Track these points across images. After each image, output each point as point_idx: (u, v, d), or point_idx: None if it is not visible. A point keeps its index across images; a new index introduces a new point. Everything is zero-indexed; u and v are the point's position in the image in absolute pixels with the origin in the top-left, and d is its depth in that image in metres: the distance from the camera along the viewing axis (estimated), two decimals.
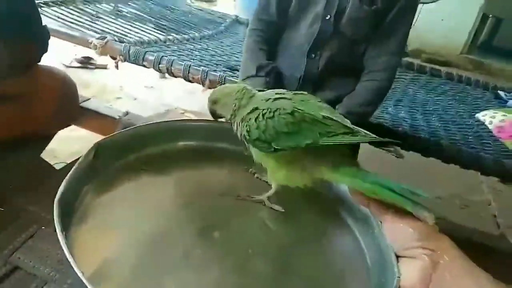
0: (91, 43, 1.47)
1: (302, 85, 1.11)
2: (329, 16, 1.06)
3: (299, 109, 0.52)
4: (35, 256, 0.64)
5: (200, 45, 1.86)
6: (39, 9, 1.69)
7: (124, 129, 0.58)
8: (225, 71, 1.52)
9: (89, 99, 0.91)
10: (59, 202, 0.44)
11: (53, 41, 1.68)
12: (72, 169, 0.49)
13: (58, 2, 1.75)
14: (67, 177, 0.47)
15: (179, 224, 0.52)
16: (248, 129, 0.53)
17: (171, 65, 1.41)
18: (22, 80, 0.76)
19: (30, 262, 0.63)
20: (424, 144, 1.25)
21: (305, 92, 0.57)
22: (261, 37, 1.15)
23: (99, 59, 2.51)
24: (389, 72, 1.08)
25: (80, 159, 0.51)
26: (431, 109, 1.72)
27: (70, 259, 0.38)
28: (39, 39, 0.78)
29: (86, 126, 0.88)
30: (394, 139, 1.25)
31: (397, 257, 0.46)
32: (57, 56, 2.53)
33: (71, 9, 1.78)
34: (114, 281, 0.43)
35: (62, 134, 0.91)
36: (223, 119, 0.59)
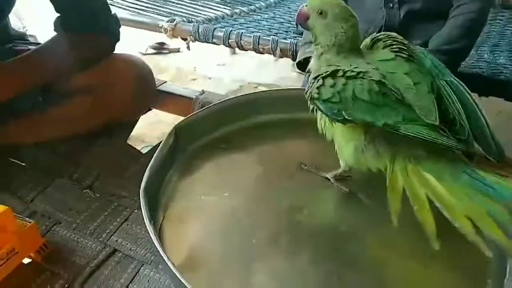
0: (161, 27, 1.49)
1: None
2: None
3: (389, 79, 0.44)
4: (131, 239, 0.66)
5: (267, 14, 1.80)
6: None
7: (199, 110, 0.57)
8: (295, 37, 1.45)
9: (165, 82, 0.91)
10: (144, 192, 0.43)
11: (127, 31, 1.75)
12: (154, 155, 0.48)
13: None
14: (150, 165, 0.47)
15: (263, 204, 0.49)
16: (322, 84, 0.45)
17: (240, 39, 1.38)
18: (99, 70, 0.78)
19: (127, 244, 0.66)
20: None
21: (390, 53, 0.48)
22: None
23: (172, 43, 2.57)
24: (480, 2, 0.95)
25: (160, 145, 0.50)
26: None
27: (161, 252, 0.37)
28: (111, 29, 0.80)
29: (165, 108, 0.89)
30: (495, 89, 1.13)
31: None
32: (133, 45, 2.63)
33: None
34: (203, 270, 0.42)
35: (148, 118, 0.93)
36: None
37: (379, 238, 0.44)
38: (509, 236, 0.37)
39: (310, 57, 1.03)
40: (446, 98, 0.45)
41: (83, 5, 0.77)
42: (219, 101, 0.58)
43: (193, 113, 0.57)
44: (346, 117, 0.44)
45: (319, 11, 0.47)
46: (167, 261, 0.36)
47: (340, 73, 0.44)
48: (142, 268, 0.62)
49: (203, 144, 0.57)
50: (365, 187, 0.51)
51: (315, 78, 0.46)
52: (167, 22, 1.49)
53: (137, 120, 0.89)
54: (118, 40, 0.83)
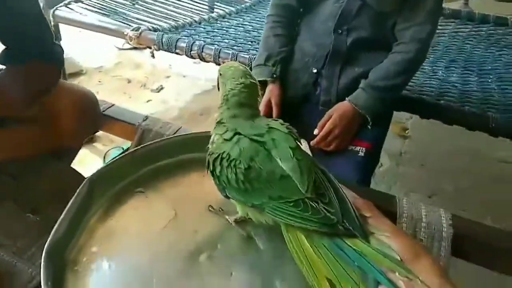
0: (126, 35, 1.52)
1: (329, 61, 1.07)
2: None
3: (256, 165, 0.49)
4: None
5: (236, 20, 1.83)
6: (81, 3, 1.77)
7: (113, 159, 0.61)
8: (257, 48, 1.49)
9: (112, 105, 0.95)
10: (48, 255, 0.48)
11: (104, 39, 1.75)
12: (65, 210, 0.53)
13: None
14: (58, 222, 0.51)
15: (169, 247, 0.54)
16: (207, 165, 0.53)
17: (202, 51, 1.42)
18: (45, 101, 0.82)
19: None
20: (471, 119, 1.14)
21: (284, 127, 0.53)
22: (279, 22, 1.11)
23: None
24: (418, 44, 0.99)
25: (72, 198, 0.54)
26: (489, 68, 1.55)
27: None
28: (56, 56, 0.83)
29: (111, 131, 0.93)
30: (435, 114, 1.18)
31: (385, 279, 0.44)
32: (110, 39, 2.64)
33: None
34: None
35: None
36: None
37: (266, 284, 0.50)
38: None
39: (263, 81, 1.09)
40: (319, 178, 0.50)
41: (27, 35, 0.80)
42: (131, 150, 0.63)
43: (106, 163, 0.61)
44: (227, 194, 0.53)
45: (219, 72, 0.56)
46: None
47: (219, 160, 0.51)
48: None
49: (118, 189, 0.61)
50: (263, 231, 0.56)
51: (208, 155, 0.53)
52: (132, 30, 1.52)
53: (81, 145, 0.93)
54: (63, 66, 0.86)
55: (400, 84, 1.04)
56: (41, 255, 0.74)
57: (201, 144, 0.56)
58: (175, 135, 0.66)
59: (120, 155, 0.62)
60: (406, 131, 2.06)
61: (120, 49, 2.75)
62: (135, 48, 2.72)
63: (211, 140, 0.54)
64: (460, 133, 1.82)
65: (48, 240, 0.49)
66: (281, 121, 0.54)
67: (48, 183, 0.86)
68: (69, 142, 0.85)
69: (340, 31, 1.05)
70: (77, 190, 0.56)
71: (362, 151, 1.06)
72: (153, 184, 0.63)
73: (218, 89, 0.57)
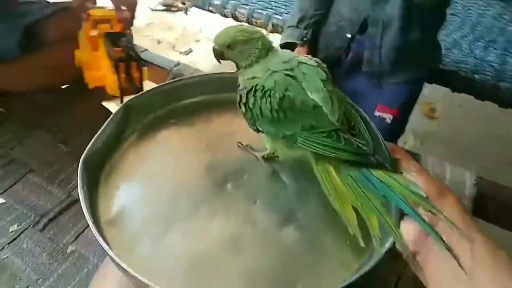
0: None
1: (368, 28, 1.04)
2: None
3: (290, 94, 0.49)
4: None
5: None
6: None
7: (151, 88, 0.63)
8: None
9: (146, 49, 0.97)
10: (84, 161, 0.50)
11: None
12: (101, 129, 0.55)
13: None
14: (95, 137, 0.53)
15: (198, 175, 0.56)
16: (239, 100, 0.52)
17: (235, 10, 1.41)
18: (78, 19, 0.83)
19: None
20: (504, 95, 1.11)
21: (313, 61, 0.52)
22: None
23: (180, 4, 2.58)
24: None
25: (108, 119, 0.56)
26: None
27: (84, 209, 0.45)
28: None
29: None
30: (468, 88, 1.15)
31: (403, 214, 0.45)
32: (144, 0, 2.65)
33: None
34: (123, 226, 0.49)
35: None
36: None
37: (287, 213, 0.52)
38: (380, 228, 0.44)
39: (292, 42, 1.08)
40: (349, 111, 0.51)
41: None
42: (170, 81, 0.64)
43: (144, 91, 0.63)
44: (258, 127, 0.53)
45: (227, 45, 0.52)
46: (86, 216, 0.44)
47: (252, 92, 0.51)
48: None
49: (152, 118, 0.63)
50: (289, 168, 0.57)
51: (239, 90, 0.53)
52: None
53: None
54: None
55: None
56: (70, 181, 0.79)
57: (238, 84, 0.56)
58: (214, 72, 0.67)
59: (158, 86, 0.63)
60: (435, 113, 2.01)
61: (152, 10, 2.76)
62: (167, 10, 2.73)
63: (241, 81, 0.54)
64: (489, 119, 1.80)
65: (85, 151, 0.51)
66: (309, 56, 0.54)
67: (79, 116, 0.90)
68: None
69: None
70: (113, 114, 0.58)
71: (389, 119, 1.06)
72: (187, 117, 0.64)
73: (219, 61, 0.55)
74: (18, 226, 0.71)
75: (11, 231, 0.69)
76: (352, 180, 0.47)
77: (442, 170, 0.68)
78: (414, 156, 0.71)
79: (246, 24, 1.43)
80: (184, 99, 0.66)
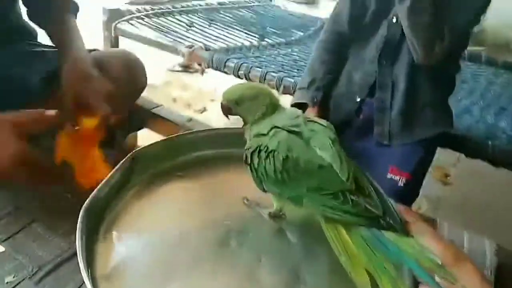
0: (179, 51, 1.60)
1: (376, 91, 1.06)
2: (395, 19, 1.00)
3: (294, 155, 0.48)
4: None
5: (285, 50, 1.88)
6: (141, 20, 1.89)
7: (160, 140, 0.63)
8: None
9: (160, 105, 0.99)
10: (86, 209, 0.49)
11: (159, 50, 1.86)
12: (106, 178, 0.55)
13: (158, 14, 1.93)
14: (99, 185, 0.53)
15: (201, 230, 0.54)
16: (245, 159, 0.52)
17: (249, 72, 1.46)
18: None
19: None
20: None
21: (322, 121, 0.53)
22: (328, 48, 1.13)
23: (197, 65, 2.69)
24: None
25: (115, 168, 0.56)
26: None
27: (80, 260, 0.43)
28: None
29: (156, 129, 0.97)
30: (482, 154, 1.14)
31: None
32: (162, 62, 2.77)
33: (168, 19, 1.94)
34: (120, 282, 0.47)
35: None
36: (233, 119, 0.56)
37: (294, 273, 0.49)
38: None
39: (303, 104, 1.10)
40: (356, 172, 0.49)
41: None
42: (180, 134, 0.65)
43: (154, 142, 0.63)
44: (264, 188, 0.52)
45: (234, 101, 0.54)
46: (82, 269, 0.42)
47: (257, 152, 0.50)
48: None
49: (159, 170, 0.63)
50: (296, 226, 0.55)
51: (245, 150, 0.53)
52: (186, 47, 1.59)
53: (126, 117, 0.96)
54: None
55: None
56: (73, 232, 0.77)
57: (242, 141, 0.56)
58: (222, 127, 0.67)
59: (166, 138, 0.63)
60: (448, 178, 1.98)
61: (171, 70, 2.88)
62: (184, 71, 2.84)
63: (248, 137, 0.54)
64: (505, 186, 1.76)
65: (88, 199, 0.51)
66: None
67: None
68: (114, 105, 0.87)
69: (384, 62, 1.05)
70: (120, 163, 0.57)
71: (402, 181, 1.04)
72: (193, 171, 0.64)
73: (227, 117, 0.56)
74: (14, 277, 0.68)
75: (7, 282, 0.67)
76: (364, 241, 0.45)
77: (459, 237, 0.65)
78: (430, 221, 0.69)
79: None
80: (191, 153, 0.66)
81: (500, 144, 1.20)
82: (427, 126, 1.07)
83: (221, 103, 0.55)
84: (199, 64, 1.60)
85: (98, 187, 0.53)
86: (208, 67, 1.56)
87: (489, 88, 1.77)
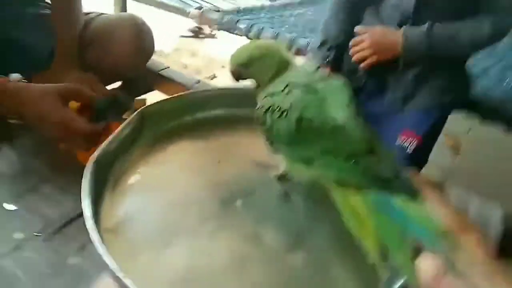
0: (189, 13, 1.56)
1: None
2: None
3: (308, 115, 0.45)
4: None
5: (298, 10, 1.82)
6: None
7: (168, 97, 0.62)
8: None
9: (167, 67, 0.98)
10: (95, 161, 0.49)
11: (169, 14, 1.81)
12: (113, 133, 0.54)
13: None
14: (105, 142, 0.52)
15: (207, 190, 0.53)
16: (257, 118, 0.50)
17: (261, 33, 1.42)
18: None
19: None
20: None
21: (339, 79, 0.50)
22: (342, 7, 1.09)
23: (208, 29, 2.64)
24: (495, 27, 0.93)
25: (123, 124, 0.55)
26: None
27: (86, 214, 0.42)
28: None
29: (165, 91, 0.95)
30: (498, 116, 1.10)
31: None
32: (173, 27, 2.72)
33: None
34: (124, 235, 0.46)
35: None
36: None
37: (296, 237, 0.48)
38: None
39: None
40: (371, 135, 0.47)
41: None
42: (190, 91, 0.63)
43: (161, 100, 0.61)
44: (276, 150, 0.50)
45: (243, 65, 0.51)
46: (87, 223, 0.42)
47: (270, 112, 0.48)
48: None
49: (166, 129, 0.61)
50: (302, 190, 0.54)
51: (257, 109, 0.50)
52: (195, 8, 1.55)
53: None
54: None
55: (460, 46, 0.97)
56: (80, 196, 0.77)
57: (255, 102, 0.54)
58: (234, 87, 0.65)
59: (174, 96, 0.62)
60: (460, 146, 1.94)
61: (181, 36, 2.83)
62: (195, 37, 2.79)
63: (259, 98, 0.52)
64: None
65: (97, 152, 0.50)
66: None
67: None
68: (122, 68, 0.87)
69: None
70: (128, 120, 0.56)
71: (412, 146, 1.01)
72: (201, 131, 0.62)
73: (237, 80, 0.53)
74: (23, 234, 0.69)
75: (16, 238, 0.68)
76: (373, 205, 0.43)
77: (467, 203, 0.63)
78: (438, 186, 0.67)
79: None
80: (199, 112, 0.64)
81: None
82: (442, 92, 1.03)
83: (230, 69, 0.52)
84: (210, 26, 1.56)
85: (108, 140, 0.52)
86: (219, 29, 1.52)
87: (510, 49, 1.69)
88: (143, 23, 0.94)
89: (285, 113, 0.47)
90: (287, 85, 0.48)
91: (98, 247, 0.40)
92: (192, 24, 2.76)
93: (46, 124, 0.71)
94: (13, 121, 0.74)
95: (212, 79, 2.45)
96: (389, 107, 1.06)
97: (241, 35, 1.49)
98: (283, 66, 0.51)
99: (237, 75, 0.52)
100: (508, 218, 0.61)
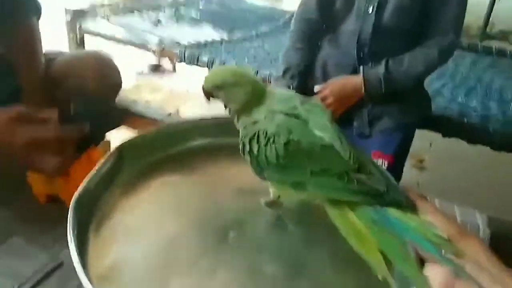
0: (150, 48, 1.55)
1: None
2: (371, 9, 1.00)
3: (295, 137, 0.46)
4: None
5: (257, 43, 1.87)
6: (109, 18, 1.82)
7: (146, 131, 0.60)
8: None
9: (135, 101, 0.95)
10: (75, 205, 0.46)
11: (126, 51, 1.79)
12: (92, 172, 0.51)
13: (124, 10, 1.87)
14: (85, 180, 0.49)
15: (196, 225, 0.51)
16: (243, 148, 0.49)
17: (223, 65, 1.44)
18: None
19: None
20: (494, 137, 1.12)
21: (316, 102, 0.50)
22: (300, 36, 1.12)
23: (167, 65, 2.64)
24: (440, 50, 1.00)
25: (100, 162, 0.53)
26: (509, 97, 1.54)
27: (76, 262, 0.39)
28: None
29: (133, 126, 0.93)
30: (458, 133, 1.16)
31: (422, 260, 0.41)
32: (131, 64, 2.70)
33: (135, 17, 1.89)
34: (117, 282, 0.43)
35: None
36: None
37: (296, 263, 0.47)
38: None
39: None
40: (356, 151, 0.48)
41: None
42: (167, 124, 0.62)
43: (139, 134, 0.60)
44: (265, 176, 0.49)
45: (217, 87, 0.51)
46: (79, 274, 0.39)
47: (255, 139, 0.47)
48: None
49: (146, 163, 0.59)
50: (293, 213, 0.54)
51: (242, 138, 0.49)
52: (156, 44, 1.55)
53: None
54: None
55: (415, 75, 1.04)
56: (56, 242, 0.72)
57: (236, 129, 0.54)
58: (211, 116, 0.64)
59: (152, 130, 0.60)
60: (423, 163, 2.02)
61: (140, 73, 2.81)
62: (154, 73, 2.78)
63: (241, 127, 0.51)
64: (478, 167, 1.80)
65: (78, 191, 0.47)
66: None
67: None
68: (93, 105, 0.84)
69: (361, 54, 1.05)
70: (107, 155, 0.54)
71: (384, 165, 1.04)
72: (182, 164, 0.61)
73: (208, 99, 0.52)
74: None
75: None
76: (370, 220, 0.43)
77: (451, 212, 0.65)
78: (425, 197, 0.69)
79: None
80: (179, 144, 0.62)
81: (474, 122, 1.23)
82: (407, 112, 1.08)
83: (203, 87, 0.52)
84: (171, 60, 1.56)
85: (87, 178, 0.50)
86: (181, 62, 1.52)
87: (457, 70, 1.81)
88: (109, 58, 0.93)
89: (271, 139, 0.47)
90: (269, 112, 0.48)
91: None
92: (152, 59, 2.76)
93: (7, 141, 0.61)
94: None
95: (176, 114, 2.43)
96: (357, 133, 1.10)
97: (203, 67, 1.50)
98: (258, 95, 0.51)
99: (208, 94, 0.51)
100: (492, 222, 0.63)
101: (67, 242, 0.63)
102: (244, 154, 0.50)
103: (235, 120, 0.51)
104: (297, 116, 0.47)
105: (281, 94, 0.51)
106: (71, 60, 0.89)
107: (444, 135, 1.19)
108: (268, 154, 0.47)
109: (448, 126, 1.18)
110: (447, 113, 1.30)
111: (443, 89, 1.58)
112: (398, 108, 1.08)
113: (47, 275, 0.66)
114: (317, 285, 0.45)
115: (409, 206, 0.43)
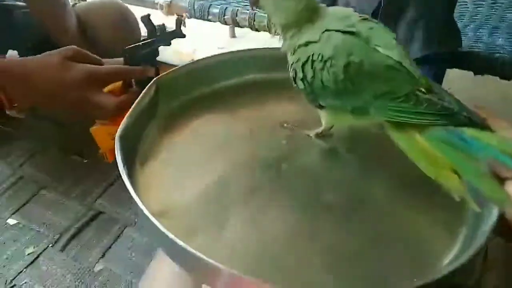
0: (157, 3, 1.48)
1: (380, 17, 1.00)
2: None
3: (356, 59, 0.42)
4: (116, 202, 0.67)
5: None
6: None
7: (184, 64, 0.57)
8: None
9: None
10: (120, 138, 0.43)
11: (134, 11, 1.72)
12: (133, 106, 0.48)
13: None
14: (128, 114, 0.47)
15: (246, 158, 0.49)
16: (294, 75, 0.45)
17: (236, 15, 1.37)
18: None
19: (112, 207, 0.66)
20: None
21: (375, 21, 0.46)
22: None
23: (173, 25, 2.55)
24: None
25: (140, 96, 0.50)
26: None
27: (133, 194, 0.37)
28: None
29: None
30: (490, 69, 1.12)
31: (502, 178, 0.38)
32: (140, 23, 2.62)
33: None
34: (174, 218, 0.42)
35: None
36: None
37: (352, 186, 0.45)
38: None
39: None
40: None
41: None
42: (205, 57, 0.58)
43: (176, 67, 0.56)
44: (320, 103, 0.46)
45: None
46: (140, 206, 0.36)
47: (309, 64, 0.44)
48: (125, 230, 0.63)
49: (186, 99, 0.56)
50: (346, 142, 0.51)
51: (293, 52, 0.46)
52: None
53: None
54: None
55: None
56: (88, 194, 0.71)
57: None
58: (253, 48, 0.60)
59: (190, 63, 0.57)
60: None
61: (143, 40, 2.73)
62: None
63: (289, 50, 0.47)
64: None
65: (120, 128, 0.45)
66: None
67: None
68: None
69: None
70: (143, 93, 0.51)
71: None
72: (223, 101, 0.58)
73: (254, 5, 0.47)
74: (34, 247, 0.61)
75: (28, 253, 0.60)
76: (443, 142, 0.40)
77: None
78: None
79: (253, 35, 1.39)
80: (219, 81, 0.59)
81: (504, 58, 1.17)
82: (438, 43, 1.03)
83: None
84: (180, 15, 1.49)
85: (128, 113, 0.47)
86: (191, 17, 1.45)
87: (477, 11, 1.73)
88: (128, 8, 0.90)
89: (328, 62, 0.43)
90: (324, 31, 0.44)
91: (156, 224, 0.35)
92: (159, 17, 2.67)
93: (60, 92, 0.59)
94: (11, 113, 0.65)
95: None
96: None
97: (215, 21, 1.44)
98: (311, 9, 0.46)
99: (256, 1, 0.47)
100: None
101: (98, 194, 0.61)
102: (295, 82, 0.46)
103: (279, 39, 0.47)
104: (357, 35, 0.43)
105: (336, 11, 0.46)
106: (93, 8, 0.86)
107: (475, 73, 1.14)
108: (324, 79, 0.43)
109: (479, 62, 1.12)
110: (474, 51, 1.24)
111: (466, 29, 1.52)
112: (428, 35, 1.02)
113: (87, 223, 0.65)
114: (383, 213, 0.42)
115: (483, 125, 0.40)
